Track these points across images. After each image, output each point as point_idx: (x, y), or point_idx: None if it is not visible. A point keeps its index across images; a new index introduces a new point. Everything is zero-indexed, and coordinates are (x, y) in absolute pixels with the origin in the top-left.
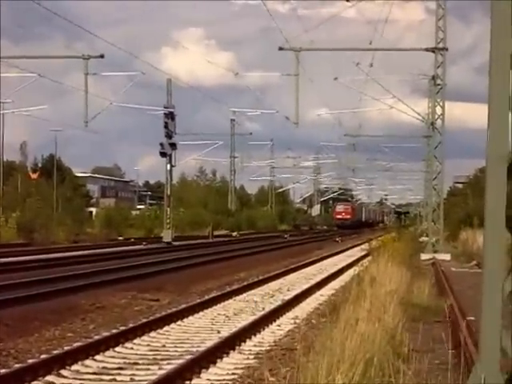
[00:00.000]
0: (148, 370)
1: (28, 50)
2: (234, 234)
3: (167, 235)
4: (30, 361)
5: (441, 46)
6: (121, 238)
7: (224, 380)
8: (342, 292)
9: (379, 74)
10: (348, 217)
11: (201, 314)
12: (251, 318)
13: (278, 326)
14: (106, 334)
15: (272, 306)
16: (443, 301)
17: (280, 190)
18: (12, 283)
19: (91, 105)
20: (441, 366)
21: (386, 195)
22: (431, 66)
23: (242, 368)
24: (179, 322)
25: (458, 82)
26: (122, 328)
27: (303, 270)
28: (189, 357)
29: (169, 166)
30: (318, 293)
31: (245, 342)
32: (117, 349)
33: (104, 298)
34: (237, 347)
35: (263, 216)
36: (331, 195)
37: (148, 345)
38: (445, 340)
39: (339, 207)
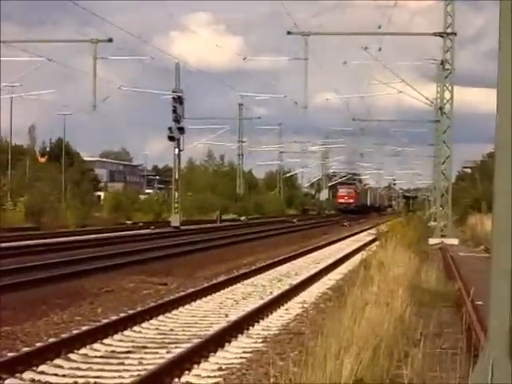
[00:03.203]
0: (156, 353)
1: (40, 34)
2: (242, 218)
3: (175, 219)
4: (38, 344)
5: (449, 30)
6: (129, 222)
7: (232, 363)
8: (349, 276)
9: (388, 59)
10: (351, 201)
11: (209, 297)
12: (259, 302)
13: (286, 310)
14: (114, 317)
15: (280, 291)
16: (451, 285)
17: (288, 175)
18: (20, 267)
19: (99, 89)
20: (449, 350)
21: (394, 180)
22: (440, 50)
23: (250, 352)
24: (187, 306)
25: (467, 66)
26: (131, 312)
27: (311, 255)
28: (197, 340)
29: (177, 150)
30: (326, 277)
31: (253, 325)
32: (125, 332)
33: (112, 281)
34: (245, 331)
35: (271, 200)
36: (339, 180)
37: (156, 328)
38: (453, 324)
39: (342, 190)
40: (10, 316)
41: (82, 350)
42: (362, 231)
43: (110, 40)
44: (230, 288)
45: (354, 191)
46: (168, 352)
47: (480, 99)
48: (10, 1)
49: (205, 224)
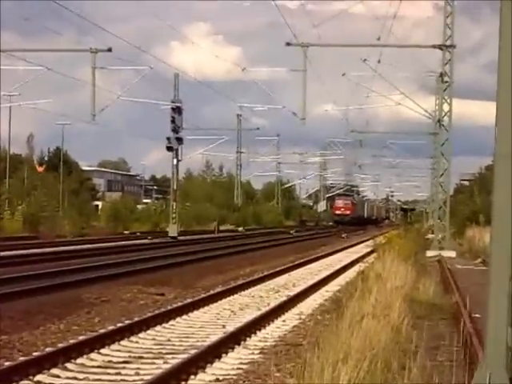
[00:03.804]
0: (153, 363)
1: (38, 43)
2: (240, 229)
3: (173, 230)
4: (35, 354)
5: (448, 43)
6: (126, 232)
7: (229, 375)
8: (347, 288)
9: (387, 71)
10: (348, 212)
11: (206, 308)
12: (256, 313)
13: (283, 321)
14: (111, 327)
15: (277, 302)
16: (449, 298)
17: (286, 186)
18: (17, 276)
19: (98, 98)
20: (446, 363)
21: (392, 192)
22: (439, 62)
23: (247, 363)
24: (184, 317)
25: (466, 79)
26: (128, 322)
27: (309, 266)
28: (194, 351)
29: (175, 160)
30: (324, 289)
31: (250, 336)
32: (122, 342)
33: (109, 291)
34: (242, 342)
35: (269, 211)
36: (337, 191)
37: (153, 339)
38: (450, 337)
39: (338, 202)
40: (7, 325)
41: (79, 360)
42: (359, 243)
43: (110, 50)
44: (228, 299)
45: (351, 203)
46: (165, 362)
47: (479, 112)
48: (10, 10)
49: (202, 234)
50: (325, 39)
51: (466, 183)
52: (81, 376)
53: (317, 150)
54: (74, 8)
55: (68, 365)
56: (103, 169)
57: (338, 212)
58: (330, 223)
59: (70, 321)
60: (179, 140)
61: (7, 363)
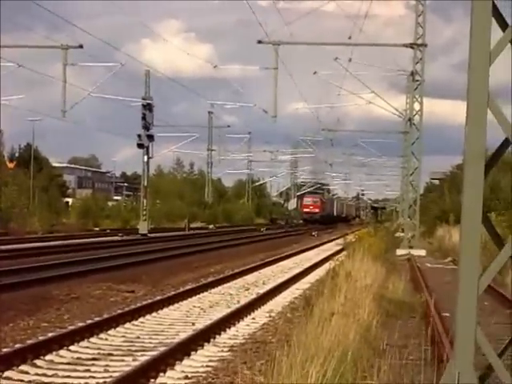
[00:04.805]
0: (122, 361)
1: (9, 39)
2: (211, 226)
3: (143, 227)
4: (4, 350)
5: (420, 42)
6: (97, 228)
7: (198, 372)
8: (317, 286)
9: (358, 69)
10: (316, 210)
11: (176, 305)
12: (226, 311)
13: (253, 319)
14: (80, 324)
15: (247, 299)
16: (418, 296)
17: (257, 184)
18: None
19: (69, 95)
20: (415, 361)
21: (363, 190)
22: (410, 61)
23: (216, 360)
24: (154, 314)
25: (437, 78)
26: (97, 319)
27: (279, 264)
28: (163, 348)
29: (146, 157)
30: (294, 286)
31: (219, 334)
32: (91, 339)
33: (79, 288)
34: (211, 340)
35: (240, 209)
36: (308, 189)
37: (123, 336)
38: (419, 336)
39: (307, 200)
40: None
41: (48, 357)
42: (329, 241)
43: (81, 46)
44: (198, 296)
45: (320, 200)
46: (134, 360)
47: (450, 111)
48: None
49: (173, 232)
50: (296, 37)
51: (437, 182)
52: (50, 372)
53: (288, 148)
54: (45, 4)
55: (37, 361)
56: (74, 165)
57: (306, 210)
58: (301, 221)
59: (40, 317)
60: (150, 137)
61: None
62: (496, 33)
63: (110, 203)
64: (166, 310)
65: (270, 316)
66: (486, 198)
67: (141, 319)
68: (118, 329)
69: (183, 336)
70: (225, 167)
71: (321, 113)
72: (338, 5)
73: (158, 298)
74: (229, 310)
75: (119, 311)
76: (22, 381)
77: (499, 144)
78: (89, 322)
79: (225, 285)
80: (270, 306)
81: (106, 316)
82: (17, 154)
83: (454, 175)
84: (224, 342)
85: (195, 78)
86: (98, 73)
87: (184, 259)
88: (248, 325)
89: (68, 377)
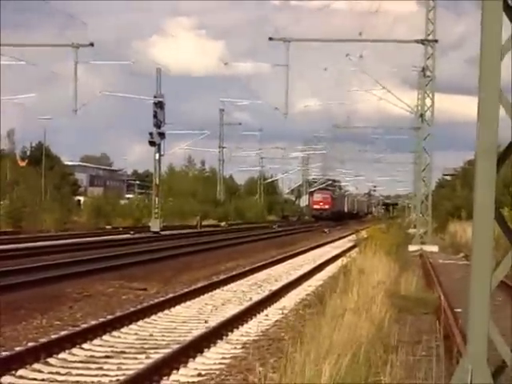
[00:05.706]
0: (135, 358)
1: (21, 38)
2: (223, 224)
3: (155, 225)
4: (17, 348)
5: (431, 37)
6: (109, 227)
7: (211, 369)
8: (329, 283)
9: (369, 66)
10: (326, 207)
11: (188, 303)
12: (239, 308)
13: (266, 315)
14: (93, 322)
15: (260, 297)
16: (431, 292)
17: (269, 181)
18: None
19: (81, 93)
20: (428, 357)
21: (375, 186)
22: (421, 57)
23: (229, 358)
24: (166, 312)
25: (448, 74)
26: (110, 317)
27: (291, 261)
28: (176, 346)
29: (157, 155)
30: (306, 283)
31: (232, 331)
32: (104, 337)
33: (91, 286)
34: (224, 337)
35: (252, 206)
36: (319, 186)
37: (135, 334)
38: (432, 332)
39: (317, 196)
40: None
41: (61, 355)
42: (341, 238)
43: (92, 44)
44: (210, 294)
45: (330, 197)
46: (147, 357)
47: (461, 107)
48: None
49: (185, 229)
50: (308, 34)
51: (449, 178)
52: (63, 371)
53: (299, 144)
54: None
55: (50, 360)
56: (85, 164)
57: (316, 206)
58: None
59: (53, 316)
60: (161, 135)
61: None
62: (507, 28)
63: (122, 201)
64: (178, 307)
65: (282, 313)
66: (499, 193)
67: (153, 317)
68: (130, 326)
69: (196, 333)
70: (236, 164)
71: (332, 109)
72: (348, 1)
73: (171, 295)
74: (241, 307)
75: (132, 309)
76: (35, 379)
77: (511, 139)
78: (101, 319)
79: (237, 282)
80: (282, 302)
81: (118, 314)
82: (28, 153)
83: (466, 171)
84: (237, 340)
85: (207, 76)
86: (109, 71)
87: (196, 257)
88: (261, 322)
89: (81, 375)
